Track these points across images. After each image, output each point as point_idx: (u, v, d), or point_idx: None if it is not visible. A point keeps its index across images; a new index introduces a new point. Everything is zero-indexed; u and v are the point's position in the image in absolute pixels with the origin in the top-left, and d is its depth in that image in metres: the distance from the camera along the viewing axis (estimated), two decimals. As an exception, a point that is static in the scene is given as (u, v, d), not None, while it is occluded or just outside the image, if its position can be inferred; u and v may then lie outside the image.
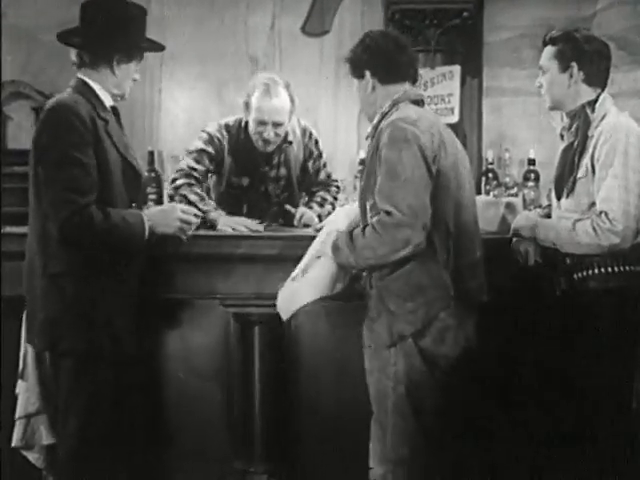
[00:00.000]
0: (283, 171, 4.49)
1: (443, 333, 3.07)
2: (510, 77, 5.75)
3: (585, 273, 3.30)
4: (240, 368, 3.78)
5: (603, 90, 3.38)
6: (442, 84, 5.51)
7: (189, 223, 3.48)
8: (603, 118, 3.32)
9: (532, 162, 5.55)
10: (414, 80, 3.26)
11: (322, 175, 4.61)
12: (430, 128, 3.07)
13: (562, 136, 3.49)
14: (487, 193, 5.42)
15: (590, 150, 3.29)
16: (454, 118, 5.47)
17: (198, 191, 4.28)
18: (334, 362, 3.75)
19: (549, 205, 3.61)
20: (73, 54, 3.43)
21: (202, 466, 3.84)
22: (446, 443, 3.17)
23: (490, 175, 5.64)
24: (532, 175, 5.54)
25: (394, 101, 3.19)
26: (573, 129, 3.39)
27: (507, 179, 5.64)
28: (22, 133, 5.72)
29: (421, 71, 5.52)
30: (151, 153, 5.64)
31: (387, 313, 3.11)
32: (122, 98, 3.48)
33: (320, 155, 4.58)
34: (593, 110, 3.33)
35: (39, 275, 3.31)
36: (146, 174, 3.86)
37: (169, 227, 3.44)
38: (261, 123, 4.24)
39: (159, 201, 5.32)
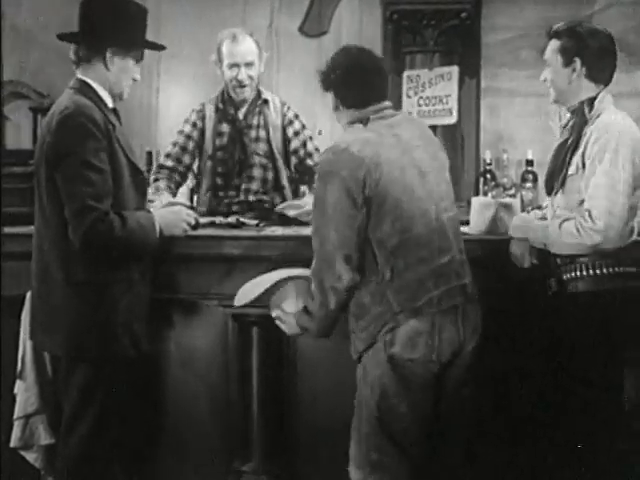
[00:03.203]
0: (262, 133, 4.67)
1: (413, 339, 3.08)
2: (508, 78, 5.74)
3: (575, 274, 3.30)
4: (238, 369, 3.79)
5: (607, 86, 3.38)
6: (440, 85, 5.51)
7: (190, 224, 3.54)
8: (599, 116, 3.32)
9: (530, 163, 5.55)
10: (382, 99, 3.25)
11: (310, 147, 4.72)
12: (362, 151, 3.08)
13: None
14: (485, 194, 5.43)
15: (582, 147, 3.29)
16: (452, 119, 5.47)
17: (159, 184, 4.56)
18: (332, 363, 3.75)
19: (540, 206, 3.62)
20: (72, 52, 3.44)
21: (200, 466, 3.84)
22: (418, 452, 3.19)
23: (488, 176, 5.64)
24: (530, 176, 5.54)
25: (347, 124, 3.25)
26: (569, 126, 3.39)
27: (505, 180, 5.64)
28: (21, 133, 5.71)
29: (419, 72, 5.56)
30: (149, 153, 5.63)
31: (350, 332, 3.22)
32: (120, 98, 3.48)
33: (304, 127, 4.74)
34: (591, 108, 3.33)
35: (60, 283, 3.33)
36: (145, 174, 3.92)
37: (177, 228, 3.52)
38: (234, 65, 4.56)
39: (157, 202, 5.33)
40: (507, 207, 3.73)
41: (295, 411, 3.81)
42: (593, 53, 3.35)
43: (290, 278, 3.32)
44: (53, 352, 3.51)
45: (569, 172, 3.33)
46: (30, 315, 3.51)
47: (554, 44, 3.39)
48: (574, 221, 3.22)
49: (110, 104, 3.43)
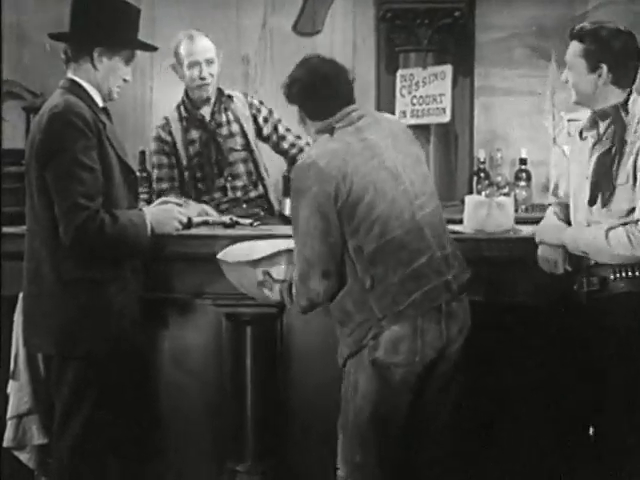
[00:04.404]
0: (235, 127, 4.67)
1: (396, 343, 3.09)
2: (502, 77, 5.75)
3: (620, 275, 3.23)
4: (232, 368, 3.78)
5: (631, 89, 3.30)
6: (434, 84, 5.51)
7: (182, 222, 3.55)
8: (639, 121, 3.24)
9: (523, 162, 5.56)
10: (348, 103, 3.22)
11: (282, 129, 4.73)
12: (329, 164, 3.08)
13: (580, 134, 3.39)
14: (479, 193, 5.43)
15: (633, 155, 3.21)
16: (446, 118, 5.47)
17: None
18: (326, 362, 3.74)
19: (550, 205, 3.57)
20: (62, 52, 3.45)
21: (194, 465, 3.84)
22: (400, 455, 3.22)
23: (482, 175, 5.65)
24: (524, 175, 5.55)
25: (314, 136, 3.26)
26: (608, 133, 3.29)
27: (499, 179, 5.65)
28: (15, 133, 5.70)
29: (413, 71, 5.57)
30: (142, 153, 5.62)
31: (337, 336, 3.24)
32: (110, 98, 3.47)
33: (271, 112, 4.74)
34: (627, 112, 3.25)
35: (51, 281, 3.33)
36: (137, 174, 3.91)
37: (168, 226, 3.53)
38: (195, 64, 4.54)
39: (149, 201, 5.31)
40: (501, 206, 3.73)
41: (289, 410, 3.81)
42: (618, 58, 3.25)
43: (284, 251, 3.31)
44: (45, 351, 3.51)
45: (618, 182, 3.22)
46: (22, 314, 3.50)
47: (577, 47, 3.29)
48: (623, 231, 3.16)
49: (100, 103, 3.42)
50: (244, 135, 4.66)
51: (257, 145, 4.73)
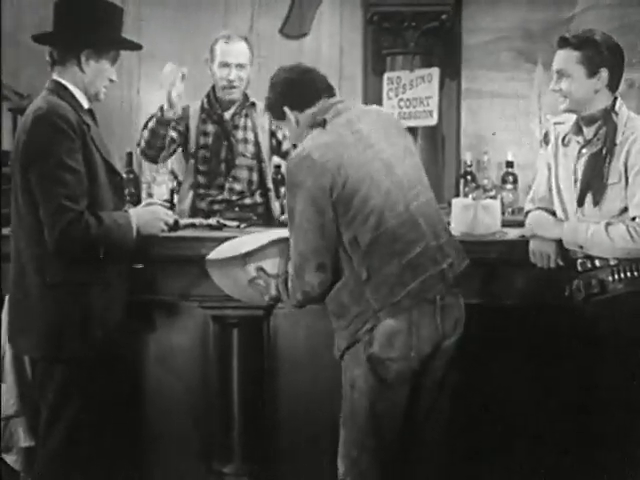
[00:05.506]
0: (250, 135, 4.70)
1: (391, 338, 3.11)
2: (489, 79, 5.77)
3: (618, 276, 3.27)
4: (219, 370, 3.78)
5: (615, 93, 3.35)
6: (421, 86, 5.52)
7: (168, 224, 3.55)
8: (626, 123, 3.30)
9: (510, 164, 5.57)
10: (330, 94, 3.29)
11: None
12: (323, 156, 3.10)
13: (564, 140, 3.44)
14: (465, 195, 5.44)
15: (623, 155, 3.26)
16: (433, 121, 5.48)
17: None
18: (313, 364, 3.75)
19: (529, 212, 3.58)
20: (47, 54, 3.43)
21: (181, 467, 3.84)
22: (398, 449, 3.23)
23: (468, 177, 5.67)
24: (510, 177, 5.57)
25: (306, 128, 3.28)
26: (600, 136, 3.32)
27: (485, 181, 5.67)
28: (2, 134, 5.68)
29: (400, 73, 5.58)
30: (129, 154, 5.62)
31: (333, 329, 3.24)
32: (96, 99, 3.46)
33: None
34: (617, 114, 3.30)
35: (36, 284, 3.31)
36: (124, 175, 3.88)
37: (154, 228, 3.52)
38: (225, 65, 4.59)
39: (137, 202, 5.30)
40: (487, 209, 3.74)
41: (276, 412, 3.81)
42: (614, 61, 3.31)
43: (275, 241, 3.31)
44: (30, 354, 3.50)
45: (610, 181, 3.27)
46: (8, 317, 3.49)
47: (572, 54, 3.30)
48: (624, 226, 3.21)
49: (86, 105, 3.41)
50: (257, 144, 4.68)
51: (270, 158, 4.75)
